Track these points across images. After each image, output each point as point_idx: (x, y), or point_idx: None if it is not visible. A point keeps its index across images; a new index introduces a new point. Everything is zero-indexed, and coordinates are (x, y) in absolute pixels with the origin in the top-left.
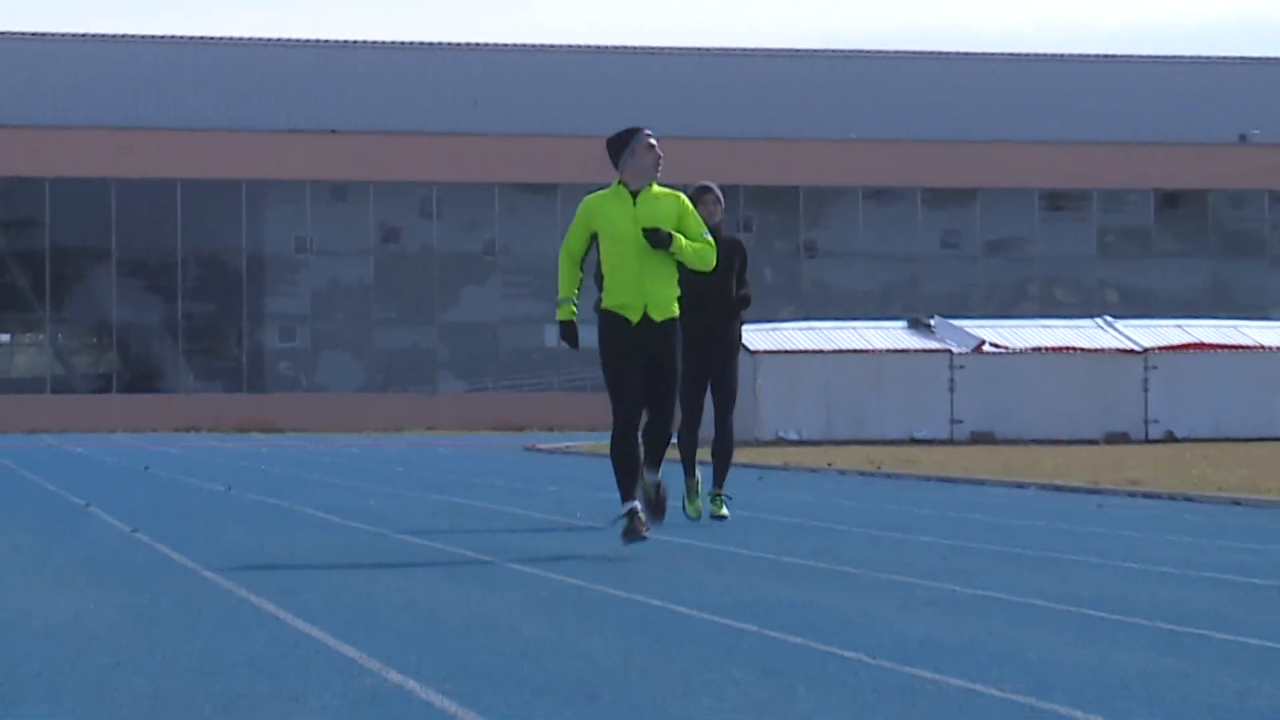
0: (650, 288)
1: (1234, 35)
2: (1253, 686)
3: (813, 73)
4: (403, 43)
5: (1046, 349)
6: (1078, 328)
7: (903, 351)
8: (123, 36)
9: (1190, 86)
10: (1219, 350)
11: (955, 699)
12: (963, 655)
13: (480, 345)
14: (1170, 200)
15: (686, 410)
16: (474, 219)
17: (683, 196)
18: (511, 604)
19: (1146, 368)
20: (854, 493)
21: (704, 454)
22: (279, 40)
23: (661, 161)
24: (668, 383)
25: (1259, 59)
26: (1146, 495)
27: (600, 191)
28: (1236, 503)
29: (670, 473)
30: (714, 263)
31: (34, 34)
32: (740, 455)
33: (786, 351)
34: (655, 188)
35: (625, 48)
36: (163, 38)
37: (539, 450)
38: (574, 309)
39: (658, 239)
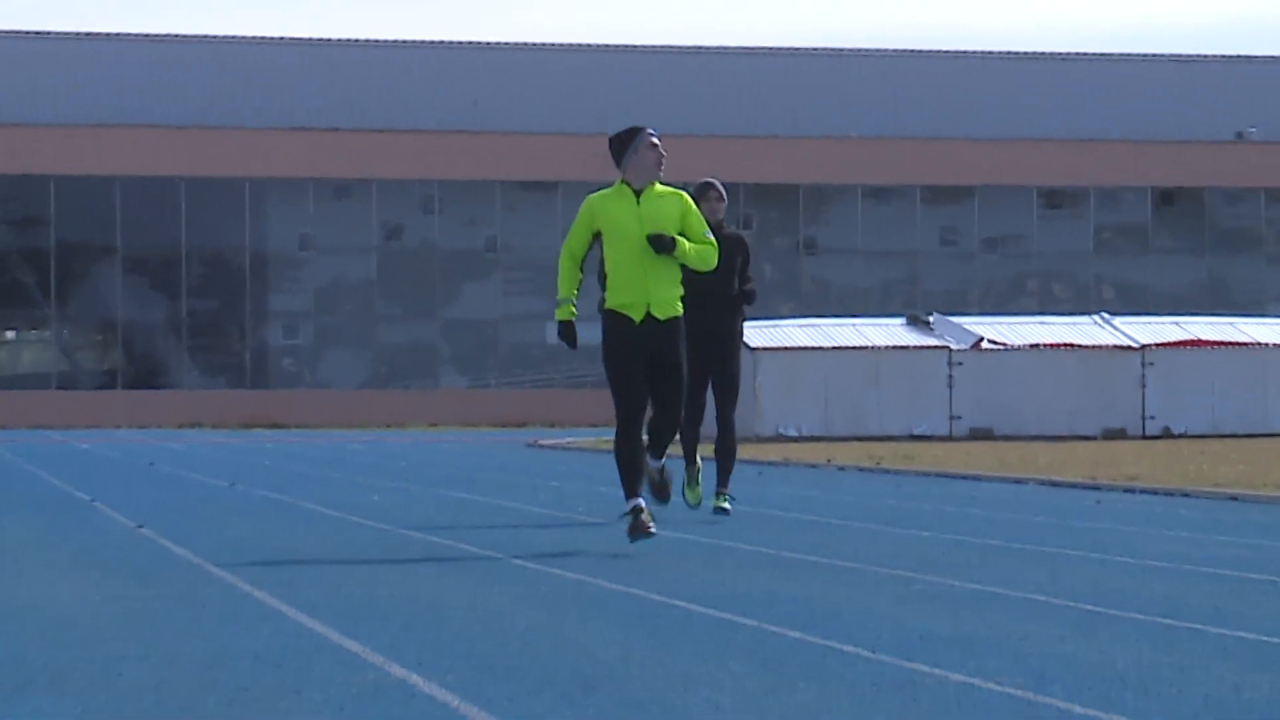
0: (654, 287)
1: (1231, 34)
2: (1248, 680)
3: (812, 71)
4: (404, 41)
5: (1044, 345)
6: (1075, 324)
7: (902, 348)
8: (127, 35)
9: (1187, 85)
10: (1216, 347)
11: (954, 692)
12: (961, 649)
13: (482, 341)
14: (1167, 198)
15: (687, 406)
16: (475, 216)
17: (686, 196)
18: (512, 598)
19: (1144, 364)
20: (853, 488)
21: (706, 450)
22: (282, 39)
23: (664, 160)
24: (672, 381)
25: (1256, 58)
26: (1144, 491)
27: (603, 191)
28: (1233, 498)
29: (671, 463)
30: (715, 263)
31: (39, 33)
32: (740, 451)
33: (786, 348)
34: (658, 186)
35: (625, 46)
36: (167, 37)
37: (540, 446)
38: (573, 309)
39: (661, 245)
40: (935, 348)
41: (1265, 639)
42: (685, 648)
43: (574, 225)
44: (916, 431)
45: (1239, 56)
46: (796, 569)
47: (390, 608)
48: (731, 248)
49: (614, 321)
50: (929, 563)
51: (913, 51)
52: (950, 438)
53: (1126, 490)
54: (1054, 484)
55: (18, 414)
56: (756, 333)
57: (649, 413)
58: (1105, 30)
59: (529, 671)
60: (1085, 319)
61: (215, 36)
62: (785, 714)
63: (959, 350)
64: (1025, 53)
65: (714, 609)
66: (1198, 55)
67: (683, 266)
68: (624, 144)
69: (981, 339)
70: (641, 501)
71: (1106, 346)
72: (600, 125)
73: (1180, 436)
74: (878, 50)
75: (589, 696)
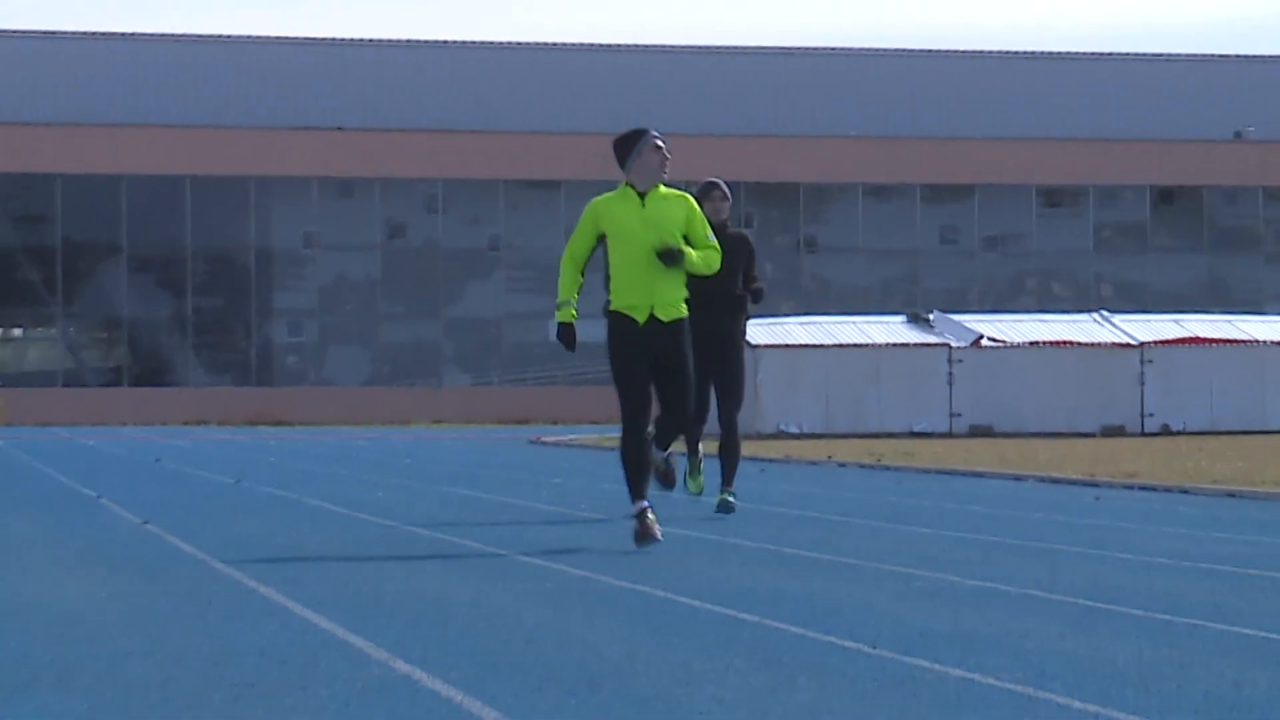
0: (658, 289)
1: (1229, 34)
2: (1248, 676)
3: (813, 71)
4: (408, 41)
5: (1044, 343)
6: (1075, 322)
7: (902, 346)
8: (132, 35)
9: (1186, 84)
10: (1214, 344)
11: (954, 688)
12: (961, 645)
13: (485, 339)
14: (1166, 196)
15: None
16: (479, 215)
17: (690, 198)
18: (517, 594)
19: (1143, 362)
20: (854, 485)
21: (709, 447)
22: (287, 39)
23: (668, 163)
24: (677, 382)
25: (1254, 57)
26: (1143, 488)
27: (607, 194)
28: (1231, 495)
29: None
30: (719, 266)
31: (45, 32)
32: (742, 449)
33: (787, 346)
34: (662, 188)
35: (628, 46)
36: (172, 36)
37: (544, 443)
38: (574, 311)
39: (670, 258)
40: (935, 345)
41: (1264, 635)
42: (689, 644)
43: (577, 228)
44: (917, 428)
45: (1237, 56)
46: (798, 565)
47: (395, 604)
48: (734, 247)
49: (618, 323)
50: (929, 559)
51: (913, 51)
52: (950, 435)
53: (1125, 487)
54: (1053, 481)
55: (24, 411)
56: (758, 330)
57: (655, 412)
58: (1104, 30)
59: (534, 668)
60: (1085, 317)
61: (220, 36)
62: (787, 710)
63: (959, 348)
64: (1025, 52)
65: (717, 605)
66: (1196, 55)
67: None
68: (628, 146)
69: (981, 337)
70: (648, 504)
71: (1106, 344)
72: (603, 124)
73: (1179, 433)
74: (878, 50)
75: (594, 693)
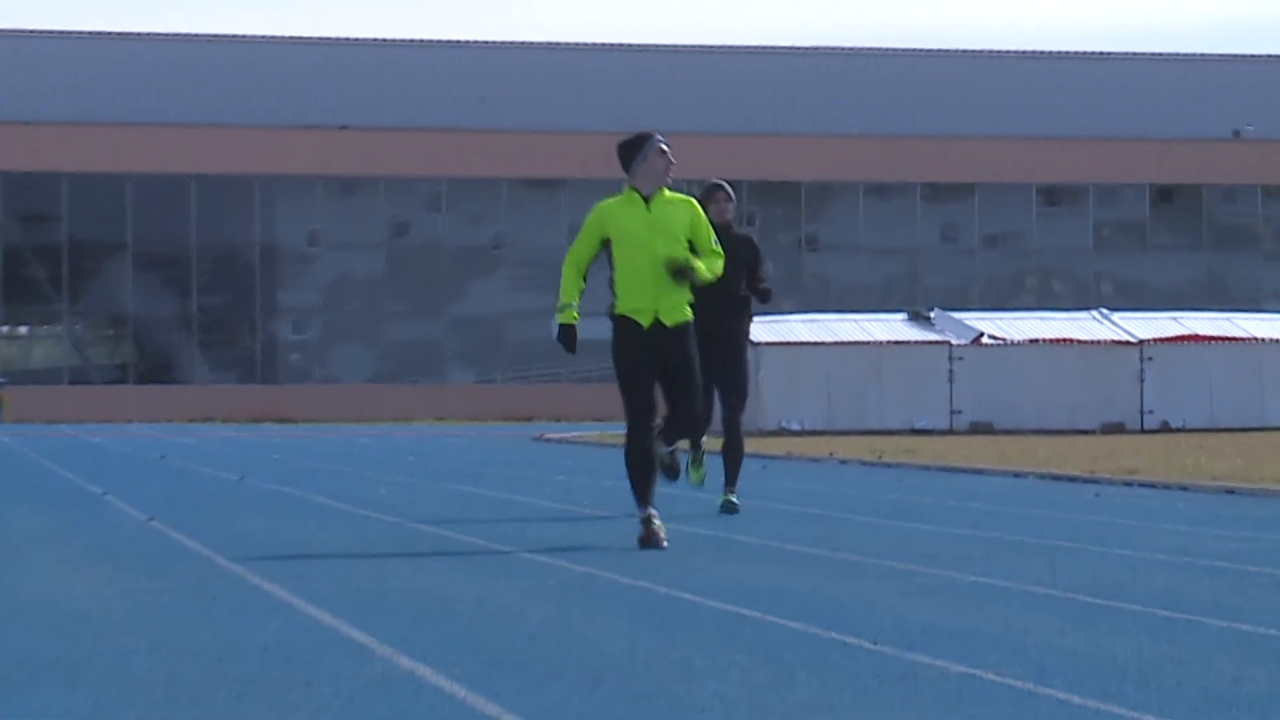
0: (663, 293)
1: (1228, 33)
2: (1246, 672)
3: (814, 70)
4: (412, 40)
5: (1044, 341)
6: (1074, 320)
7: (903, 343)
8: (138, 35)
9: (1185, 83)
10: (1213, 342)
11: (955, 684)
12: (962, 641)
13: (488, 337)
14: (1165, 195)
15: None
16: (482, 213)
17: (694, 203)
18: (520, 591)
19: (1142, 359)
20: (855, 482)
21: (713, 444)
22: (291, 38)
23: (673, 167)
24: (683, 385)
25: (1253, 56)
26: (1142, 484)
27: (611, 198)
28: (1230, 491)
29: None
30: (722, 271)
31: (51, 32)
32: (744, 446)
33: (789, 343)
34: (666, 192)
35: (630, 45)
36: (177, 36)
37: (547, 440)
38: (575, 314)
39: (680, 275)
40: (936, 343)
41: (1263, 631)
42: (691, 640)
43: (581, 233)
44: (918, 426)
45: (1236, 55)
46: (800, 562)
47: (399, 601)
48: (738, 249)
49: (623, 326)
50: (930, 556)
51: (913, 51)
52: (951, 432)
53: (1125, 484)
54: (1054, 478)
55: (31, 408)
56: (760, 328)
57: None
58: (1104, 29)
59: (537, 664)
60: (1084, 315)
61: (225, 36)
62: (789, 706)
63: (959, 345)
64: (1025, 52)
65: (719, 602)
66: (1195, 54)
67: None
68: (633, 150)
69: (982, 334)
70: (654, 511)
71: (1105, 342)
72: (605, 124)
73: (1178, 430)
74: (879, 49)
75: (596, 689)
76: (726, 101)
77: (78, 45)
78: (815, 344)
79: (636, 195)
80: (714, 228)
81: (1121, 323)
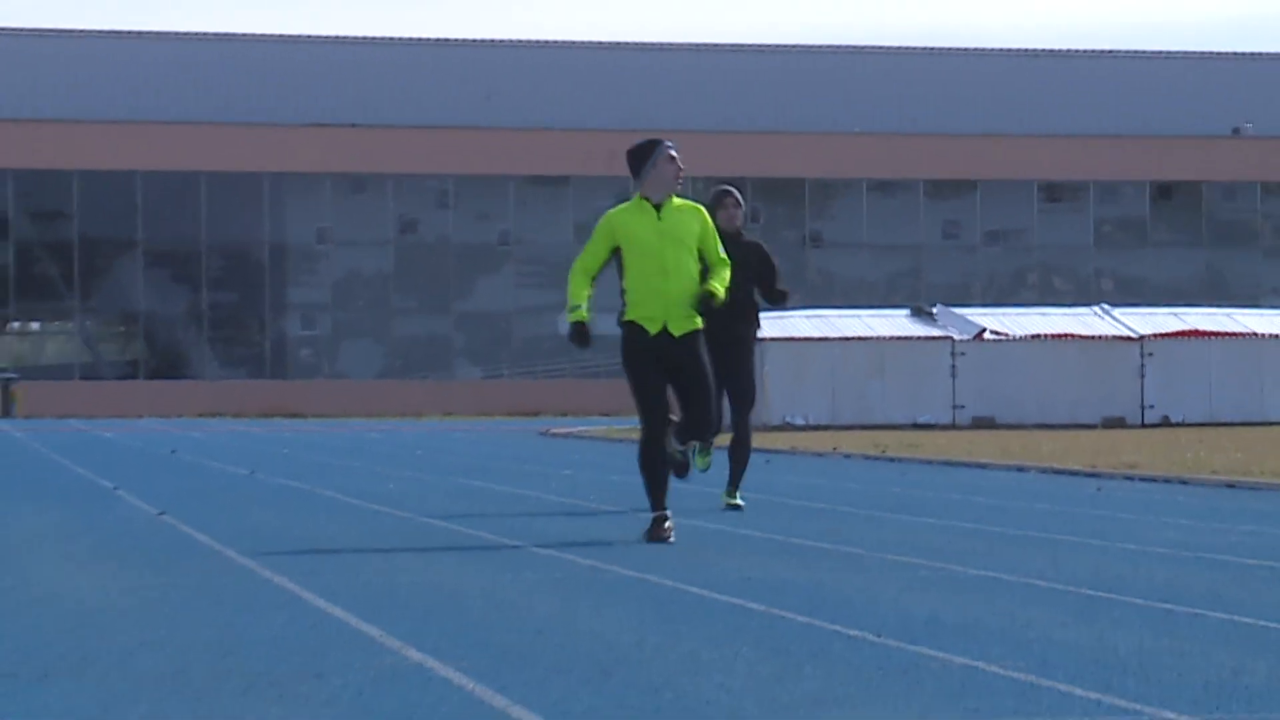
0: (672, 301)
1: (1228, 31)
2: (1246, 664)
3: (818, 68)
4: (419, 39)
5: (1045, 336)
6: (1076, 315)
7: (906, 339)
8: (148, 33)
9: (1185, 81)
10: (1213, 337)
11: (958, 676)
12: (965, 634)
13: (495, 333)
14: (1165, 192)
15: None
16: (489, 211)
17: (703, 211)
18: (528, 584)
19: (1143, 354)
20: (859, 476)
21: (720, 441)
22: (300, 37)
23: (682, 173)
24: (698, 392)
25: (1252, 54)
26: (1143, 479)
27: (620, 206)
28: (1230, 486)
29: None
30: (729, 279)
31: (62, 30)
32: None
33: (793, 339)
34: (676, 200)
35: (635, 44)
36: (187, 34)
37: (553, 435)
38: (585, 313)
39: (709, 305)
40: (939, 338)
41: (1263, 624)
42: (697, 633)
43: (591, 241)
44: (920, 420)
45: (1235, 53)
46: (804, 556)
47: (408, 594)
48: (747, 255)
49: (631, 332)
50: (933, 550)
51: (916, 49)
52: (954, 426)
53: (1126, 478)
54: (1055, 472)
55: (42, 403)
56: (764, 324)
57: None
58: (1104, 28)
59: (544, 657)
60: (1085, 310)
61: (235, 35)
62: (794, 698)
63: (962, 341)
64: (1026, 50)
65: (725, 595)
66: (1195, 52)
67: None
68: (642, 157)
69: (984, 330)
70: (668, 513)
71: (1106, 337)
72: (611, 122)
73: (1178, 425)
74: (882, 48)
75: (603, 681)
76: (731, 99)
77: (89, 44)
78: (819, 339)
79: (647, 204)
80: (723, 234)
81: (1122, 318)
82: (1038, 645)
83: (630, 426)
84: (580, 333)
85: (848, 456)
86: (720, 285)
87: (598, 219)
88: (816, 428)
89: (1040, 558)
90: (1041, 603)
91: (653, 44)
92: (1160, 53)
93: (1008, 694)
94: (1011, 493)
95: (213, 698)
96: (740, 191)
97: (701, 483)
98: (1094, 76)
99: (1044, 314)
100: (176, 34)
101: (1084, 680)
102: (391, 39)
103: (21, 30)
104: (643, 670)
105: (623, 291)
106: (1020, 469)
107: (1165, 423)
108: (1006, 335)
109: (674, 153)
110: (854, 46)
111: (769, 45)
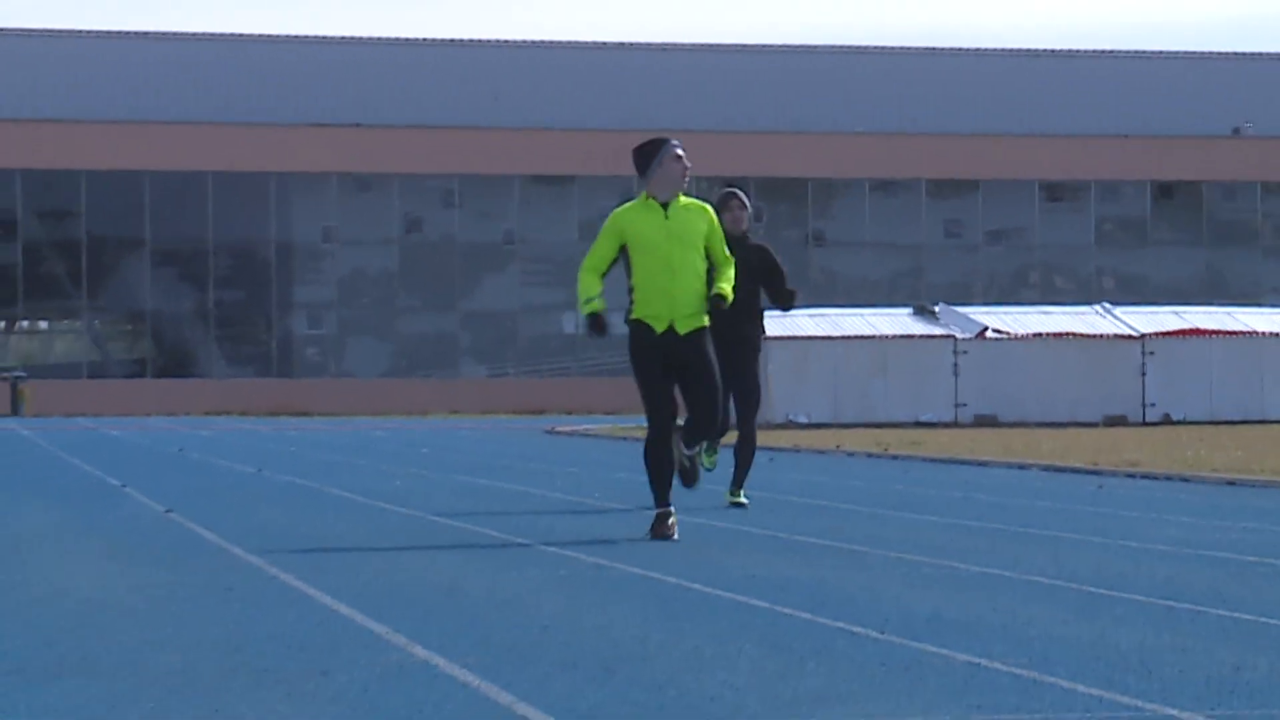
0: (679, 300)
1: (1228, 31)
2: (1247, 660)
3: (820, 69)
4: (424, 39)
5: (1047, 335)
6: (1077, 314)
7: (908, 337)
8: (156, 34)
9: (1185, 81)
10: (1213, 336)
11: (960, 673)
12: (967, 631)
13: (500, 332)
14: (1166, 191)
15: None
16: (494, 210)
17: (710, 210)
18: (532, 582)
19: (1144, 353)
20: (862, 474)
21: (725, 439)
22: (306, 38)
23: (689, 172)
24: (702, 388)
25: (1252, 54)
26: (1144, 476)
27: (627, 205)
28: (1231, 483)
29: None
30: (734, 276)
31: (70, 31)
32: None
33: (796, 338)
34: (682, 199)
35: (639, 44)
36: (195, 35)
37: (558, 433)
38: (600, 303)
39: (717, 307)
40: (941, 337)
41: (1264, 620)
42: (701, 630)
43: (599, 239)
44: (923, 418)
45: (1236, 54)
46: (807, 553)
47: (413, 591)
48: (751, 257)
49: (637, 331)
50: (936, 547)
51: (918, 50)
52: (955, 424)
53: (1128, 476)
54: (1057, 469)
55: (51, 402)
56: (767, 323)
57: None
58: (1105, 28)
59: (549, 654)
60: (1087, 309)
61: (242, 36)
62: (797, 694)
63: (964, 339)
64: (1028, 50)
65: (728, 592)
66: (1195, 52)
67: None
68: (649, 156)
69: (986, 328)
70: (671, 509)
71: (1107, 336)
72: (615, 121)
73: (1179, 423)
74: (884, 48)
75: (608, 678)
76: (734, 99)
77: (97, 45)
78: (822, 338)
79: (654, 202)
80: (729, 237)
81: (1123, 317)
82: (1039, 642)
83: (635, 425)
84: (598, 323)
85: (850, 454)
86: (728, 284)
87: (602, 218)
88: (819, 426)
89: (1042, 555)
90: (1043, 600)
91: (656, 44)
92: (1161, 53)
93: (1010, 690)
94: (1013, 490)
95: (220, 694)
96: (743, 191)
97: (705, 481)
98: (1095, 77)
99: (1045, 313)
100: (184, 35)
101: (1086, 677)
102: (397, 40)
103: (30, 31)
104: (647, 667)
105: (629, 290)
106: (1022, 467)
107: (1166, 421)
108: (1008, 334)
109: (680, 151)
110: (856, 47)
111: (772, 46)
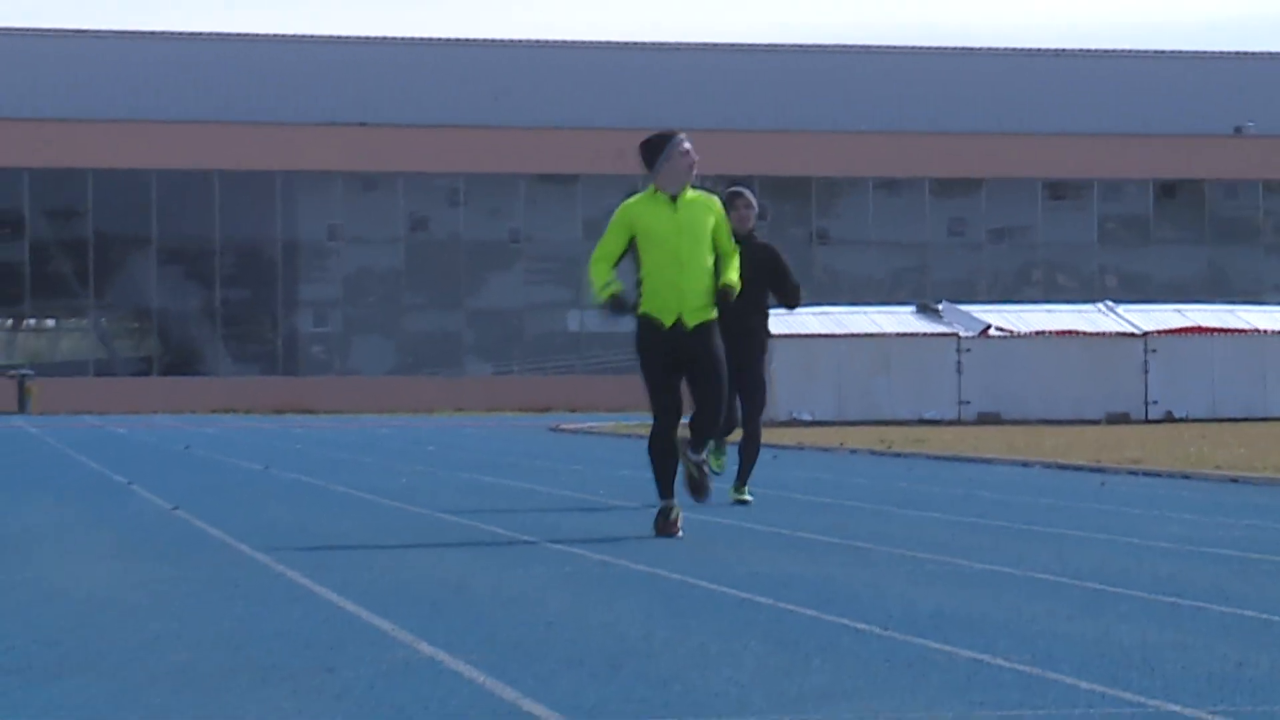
0: (687, 293)
1: (1230, 31)
2: (1249, 657)
3: (825, 68)
4: (429, 39)
5: (1050, 333)
6: (1080, 312)
7: (912, 335)
8: (163, 34)
9: (1187, 80)
10: (1216, 333)
11: (963, 669)
12: (971, 627)
13: (506, 330)
14: (1168, 190)
15: None
16: (499, 208)
17: (717, 203)
18: (538, 578)
19: (1146, 350)
20: (866, 471)
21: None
22: (312, 37)
23: (695, 165)
24: (709, 381)
25: (1254, 54)
26: (1147, 473)
27: (636, 197)
28: (1233, 481)
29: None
30: (739, 267)
31: (77, 30)
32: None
33: (800, 335)
34: (689, 192)
35: (644, 44)
36: (201, 34)
37: (563, 430)
38: (617, 284)
39: (725, 298)
40: (944, 335)
41: (1266, 617)
42: (706, 627)
43: (608, 231)
44: (926, 416)
45: (1238, 53)
46: (812, 550)
47: (419, 588)
48: (756, 256)
49: (645, 325)
50: (939, 544)
51: (921, 49)
52: (959, 422)
53: (1130, 473)
54: (1060, 467)
55: (57, 400)
56: (771, 321)
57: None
58: (1108, 28)
59: (555, 650)
60: (1089, 307)
61: (248, 35)
62: (802, 691)
63: (967, 337)
64: (1030, 49)
65: (733, 589)
66: (1198, 52)
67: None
68: (657, 149)
69: (989, 326)
70: (675, 502)
71: (1110, 333)
72: (619, 120)
73: (1182, 420)
74: (887, 48)
75: (613, 674)
76: (738, 98)
77: (104, 44)
78: (826, 336)
79: (662, 195)
80: (735, 236)
81: (1126, 315)
82: (1043, 639)
83: (639, 422)
84: (619, 303)
85: (854, 452)
86: (734, 274)
87: (607, 217)
88: (823, 423)
89: (1045, 552)
90: (1046, 596)
91: (661, 44)
92: (1163, 52)
93: (1013, 687)
94: (1016, 488)
95: (225, 691)
96: (747, 190)
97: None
98: (1098, 76)
99: (1049, 311)
100: (191, 34)
101: (1089, 673)
102: (402, 39)
103: (37, 31)
104: (652, 663)
105: (638, 283)
106: (1025, 464)
107: (1169, 418)
108: (1011, 332)
109: (687, 146)
110: (860, 46)
111: (776, 45)
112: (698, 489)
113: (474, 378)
